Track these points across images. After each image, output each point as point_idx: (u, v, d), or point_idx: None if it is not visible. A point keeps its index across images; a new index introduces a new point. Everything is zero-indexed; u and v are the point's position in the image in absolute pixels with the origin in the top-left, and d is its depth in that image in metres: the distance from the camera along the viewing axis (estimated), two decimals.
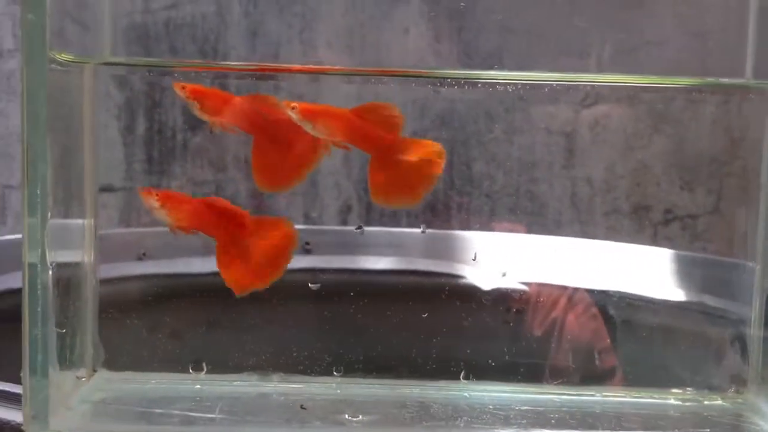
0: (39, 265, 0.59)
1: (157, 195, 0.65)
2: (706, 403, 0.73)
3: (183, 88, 0.66)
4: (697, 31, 0.91)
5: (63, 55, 0.62)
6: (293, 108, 0.65)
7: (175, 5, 1.30)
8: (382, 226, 1.25)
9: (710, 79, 0.77)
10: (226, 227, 0.66)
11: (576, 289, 0.91)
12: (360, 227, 1.24)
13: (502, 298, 0.88)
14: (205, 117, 0.67)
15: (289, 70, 0.70)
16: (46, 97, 0.57)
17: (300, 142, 0.66)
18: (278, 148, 0.66)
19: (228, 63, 0.72)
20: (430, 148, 0.67)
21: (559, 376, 0.73)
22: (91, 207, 0.70)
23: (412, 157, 0.66)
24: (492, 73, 0.73)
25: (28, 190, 0.58)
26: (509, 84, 0.76)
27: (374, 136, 0.66)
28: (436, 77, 0.81)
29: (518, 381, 0.73)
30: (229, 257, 0.66)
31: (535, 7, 0.91)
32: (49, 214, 0.59)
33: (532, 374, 0.78)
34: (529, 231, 1.08)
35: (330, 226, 1.31)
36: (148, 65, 0.71)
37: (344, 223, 1.33)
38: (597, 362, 0.82)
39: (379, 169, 0.67)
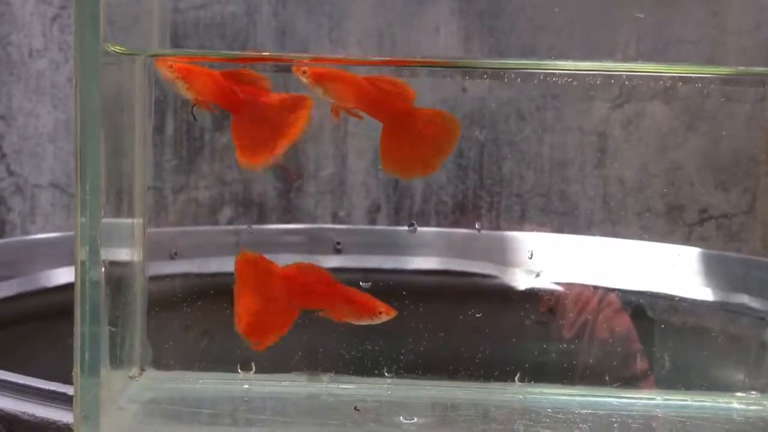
0: (89, 263, 0.59)
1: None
2: None
3: (170, 66, 0.64)
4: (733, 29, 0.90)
5: (116, 47, 0.61)
6: (304, 72, 0.63)
7: (204, 5, 1.30)
8: (421, 226, 1.25)
9: (744, 68, 0.75)
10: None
11: (611, 291, 0.90)
12: (413, 224, 1.23)
13: (541, 297, 0.87)
14: (190, 95, 0.65)
15: (324, 61, 0.69)
16: (99, 90, 0.57)
17: (279, 117, 0.64)
18: (257, 124, 0.65)
19: (286, 54, 0.71)
20: (446, 118, 0.65)
21: (616, 380, 0.72)
22: (140, 205, 0.70)
23: (427, 126, 0.64)
24: (522, 62, 0.72)
25: (80, 186, 0.58)
26: (540, 77, 0.75)
27: (388, 103, 0.64)
28: (466, 67, 0.80)
29: (574, 383, 0.72)
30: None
31: (566, 5, 0.90)
32: (101, 211, 0.59)
33: (589, 376, 0.76)
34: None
35: (380, 226, 1.31)
36: (202, 58, 0.71)
37: (373, 222, 1.33)
38: (629, 364, 0.81)
39: (392, 138, 0.64)
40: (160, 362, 0.69)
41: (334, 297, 0.64)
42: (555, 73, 0.72)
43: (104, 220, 0.59)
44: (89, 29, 0.56)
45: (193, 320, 0.76)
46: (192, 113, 0.65)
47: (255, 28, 1.32)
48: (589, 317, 0.87)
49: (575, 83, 0.96)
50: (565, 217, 1.16)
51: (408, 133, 0.64)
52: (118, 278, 0.65)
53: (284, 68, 0.68)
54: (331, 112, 0.64)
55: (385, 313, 0.63)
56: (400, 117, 0.64)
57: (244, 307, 0.65)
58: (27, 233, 1.46)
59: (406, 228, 1.17)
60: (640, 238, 1.03)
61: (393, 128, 0.64)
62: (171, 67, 0.63)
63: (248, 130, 0.65)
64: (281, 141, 0.64)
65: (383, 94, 0.64)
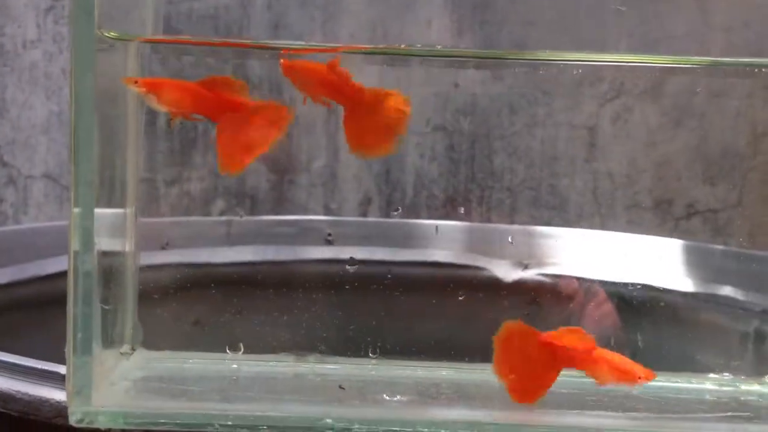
0: (82, 252, 0.60)
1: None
2: (743, 387, 0.73)
3: (135, 82, 0.66)
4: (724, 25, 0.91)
5: (110, 32, 0.62)
6: (135, 83, 0.66)
7: None
8: (406, 218, 1.25)
9: (737, 59, 0.77)
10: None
11: (592, 283, 0.91)
12: (397, 209, 1.25)
13: (528, 288, 0.88)
14: (163, 109, 0.67)
15: (316, 51, 0.71)
16: (94, 77, 0.58)
17: (261, 120, 0.67)
18: (242, 130, 0.67)
19: (292, 43, 0.72)
20: (396, 97, 0.68)
21: None
22: (132, 195, 0.71)
23: (381, 107, 0.68)
24: (512, 52, 0.74)
25: (75, 175, 0.59)
26: (531, 69, 0.76)
27: (348, 89, 0.68)
28: (457, 56, 0.82)
29: None
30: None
31: (557, 1, 0.91)
32: (94, 199, 0.60)
33: None
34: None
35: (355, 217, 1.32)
36: (196, 44, 0.72)
37: (364, 215, 1.34)
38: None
39: (354, 121, 0.68)
40: (151, 343, 0.71)
41: (596, 363, 0.67)
42: (546, 69, 0.74)
43: (98, 209, 0.60)
44: (84, 14, 0.57)
45: (184, 307, 0.77)
46: (169, 122, 0.67)
47: (249, 21, 1.33)
48: (575, 308, 0.88)
49: (566, 78, 0.97)
50: (554, 211, 1.17)
51: (366, 115, 0.68)
52: (109, 267, 0.66)
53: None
54: (304, 103, 0.68)
55: (645, 378, 0.66)
56: (358, 101, 0.68)
57: (510, 375, 0.68)
58: (19, 224, 1.47)
59: (395, 215, 1.18)
60: (628, 231, 1.04)
61: (353, 112, 0.68)
62: (136, 83, 0.65)
63: (231, 137, 0.67)
64: (258, 149, 0.67)
65: (343, 82, 0.67)
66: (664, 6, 0.95)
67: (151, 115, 1.17)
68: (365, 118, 0.68)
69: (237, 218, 1.18)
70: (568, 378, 0.68)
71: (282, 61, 0.66)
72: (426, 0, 1.14)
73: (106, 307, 0.63)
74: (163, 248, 1.06)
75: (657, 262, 0.96)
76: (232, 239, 1.08)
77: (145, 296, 0.72)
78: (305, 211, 1.31)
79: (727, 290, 0.92)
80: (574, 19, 0.94)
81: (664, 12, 0.94)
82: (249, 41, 0.95)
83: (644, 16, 0.88)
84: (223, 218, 1.23)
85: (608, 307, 0.88)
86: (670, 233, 1.15)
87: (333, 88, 0.67)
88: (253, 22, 1.31)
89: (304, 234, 1.16)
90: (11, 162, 1.46)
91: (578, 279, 0.92)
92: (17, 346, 0.84)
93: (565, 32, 0.96)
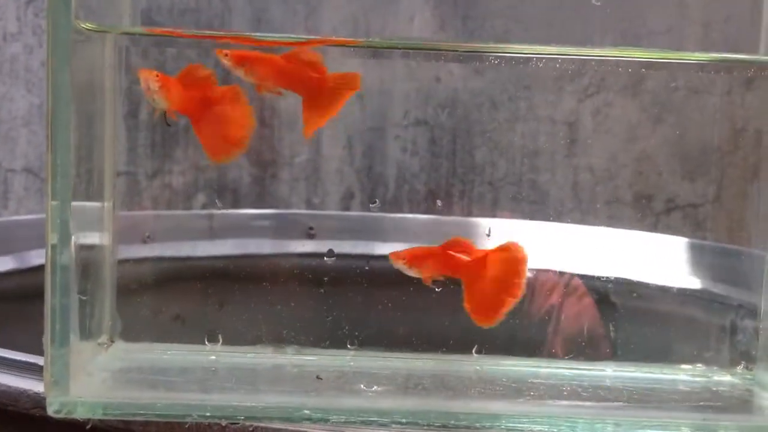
0: (60, 244, 0.60)
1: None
2: (715, 378, 0.74)
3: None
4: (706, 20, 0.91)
5: (86, 24, 0.62)
6: (225, 55, 0.67)
7: None
8: (384, 212, 1.25)
9: (718, 55, 0.77)
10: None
11: (572, 276, 0.92)
12: (375, 202, 1.25)
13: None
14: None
15: (299, 44, 0.71)
16: (71, 69, 0.58)
17: (236, 112, 0.68)
18: (217, 122, 0.68)
19: (273, 35, 0.73)
20: (350, 77, 0.70)
21: (567, 353, 0.74)
22: (109, 188, 0.71)
23: (337, 89, 0.69)
24: (496, 45, 0.74)
25: (51, 168, 0.59)
26: (512, 64, 0.77)
27: (304, 76, 0.69)
28: (440, 50, 0.83)
29: (529, 355, 0.74)
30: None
31: None
32: (71, 192, 0.60)
33: (543, 349, 0.79)
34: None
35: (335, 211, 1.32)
36: (171, 35, 0.72)
37: (347, 209, 1.34)
38: (592, 348, 0.83)
39: (312, 108, 0.69)
40: (130, 335, 0.71)
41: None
42: (527, 64, 0.74)
43: (75, 203, 0.60)
44: (61, 5, 0.57)
45: (164, 299, 0.77)
46: (165, 120, 0.67)
47: (230, 14, 1.33)
48: (554, 303, 0.89)
49: (546, 73, 0.98)
50: (535, 205, 1.18)
51: (324, 100, 0.68)
52: (87, 259, 0.66)
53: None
54: (256, 90, 0.69)
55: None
56: (315, 88, 0.69)
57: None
58: None
59: (372, 208, 1.19)
60: (609, 225, 1.04)
61: (311, 99, 0.69)
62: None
63: (208, 129, 0.68)
64: (240, 134, 0.68)
65: (299, 69, 0.68)
66: (644, 2, 0.95)
67: (133, 107, 1.17)
68: (324, 104, 0.69)
69: (219, 212, 1.18)
70: (543, 369, 0.69)
71: (228, 52, 0.67)
72: None
73: (84, 298, 0.63)
74: (144, 241, 1.06)
75: (636, 256, 0.97)
76: (213, 233, 1.08)
77: (124, 288, 0.72)
78: (287, 206, 1.31)
79: (703, 284, 0.93)
80: (557, 15, 0.94)
81: (644, 7, 0.94)
82: (224, 33, 0.95)
83: (624, 11, 0.88)
84: (204, 212, 1.23)
85: (588, 300, 0.89)
86: (650, 228, 1.16)
87: (289, 77, 0.68)
88: (234, 16, 1.31)
89: (286, 227, 1.16)
90: None
91: (557, 273, 0.93)
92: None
93: (547, 27, 0.97)
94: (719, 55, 0.81)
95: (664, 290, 0.92)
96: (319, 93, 0.68)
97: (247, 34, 0.71)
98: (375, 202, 1.09)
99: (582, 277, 0.91)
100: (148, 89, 0.65)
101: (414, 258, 0.71)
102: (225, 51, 0.67)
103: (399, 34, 1.17)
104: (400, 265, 0.70)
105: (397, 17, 1.11)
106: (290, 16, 1.26)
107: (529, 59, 0.79)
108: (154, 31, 0.68)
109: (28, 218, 1.25)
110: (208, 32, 0.88)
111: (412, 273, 0.70)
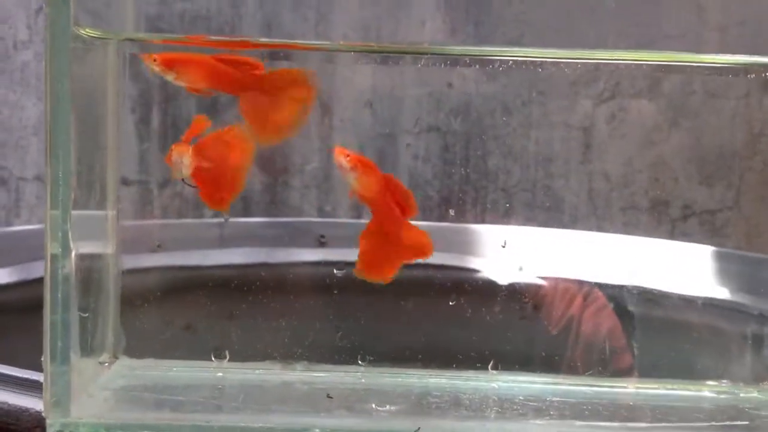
0: (61, 255, 0.59)
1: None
2: (742, 395, 0.72)
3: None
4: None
5: (87, 30, 0.61)
6: (154, 60, 0.65)
7: None
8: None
9: (735, 57, 0.76)
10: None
11: (592, 286, 0.90)
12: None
13: (524, 291, 0.87)
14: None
15: (304, 48, 0.70)
16: (69, 76, 0.57)
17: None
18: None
19: (275, 40, 0.71)
20: (296, 73, 0.67)
21: (588, 369, 0.72)
22: (112, 197, 0.70)
23: (279, 87, 0.66)
24: (508, 50, 0.72)
25: (51, 177, 0.57)
26: (525, 68, 0.75)
27: (237, 76, 0.66)
28: (451, 54, 0.81)
29: (547, 371, 0.72)
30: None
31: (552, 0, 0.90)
32: (72, 202, 0.59)
33: (562, 366, 0.77)
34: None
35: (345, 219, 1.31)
36: (173, 41, 0.71)
37: (358, 217, 1.32)
38: (613, 361, 0.81)
39: (251, 108, 0.66)
40: (134, 351, 0.69)
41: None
42: (541, 68, 0.73)
43: (76, 212, 0.59)
44: (59, 12, 0.56)
45: (170, 311, 0.75)
46: (183, 181, 0.66)
47: (240, 21, 1.32)
48: (574, 314, 0.87)
49: (561, 78, 0.96)
50: (549, 212, 1.16)
51: (264, 99, 0.66)
52: (90, 271, 0.65)
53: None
54: (187, 91, 0.66)
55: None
56: (252, 86, 0.66)
57: None
58: (11, 226, 1.46)
59: None
60: (624, 232, 1.03)
61: (248, 99, 0.66)
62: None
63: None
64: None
65: (231, 70, 0.65)
66: (660, 4, 0.94)
67: (144, 114, 1.16)
68: (264, 103, 0.66)
69: (228, 220, 1.17)
70: (562, 386, 0.67)
71: (156, 56, 0.64)
72: (419, 0, 1.13)
73: (84, 315, 0.62)
74: (154, 251, 1.05)
75: (653, 264, 0.95)
76: (224, 241, 1.07)
77: (130, 300, 0.71)
78: (299, 214, 1.30)
79: (725, 293, 0.91)
80: (570, 19, 0.93)
81: (660, 10, 0.93)
82: (233, 38, 0.94)
83: (639, 15, 0.87)
84: (215, 220, 1.22)
85: (608, 312, 0.87)
86: (667, 235, 1.14)
87: (223, 78, 0.65)
88: (245, 22, 1.30)
89: (296, 235, 1.15)
90: (3, 163, 1.45)
91: (576, 282, 0.91)
92: (3, 351, 0.83)
93: (560, 32, 0.95)
94: (736, 58, 0.79)
95: (684, 300, 0.90)
96: (255, 93, 0.66)
97: (254, 39, 0.70)
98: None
99: (598, 286, 0.89)
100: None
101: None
102: (153, 55, 0.64)
103: (410, 39, 1.16)
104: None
105: (408, 23, 1.10)
106: (301, 23, 1.25)
107: (542, 64, 0.78)
108: (153, 39, 0.67)
109: (40, 228, 1.25)
110: (213, 38, 0.87)
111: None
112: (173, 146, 0.64)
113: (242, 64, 0.66)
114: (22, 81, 1.43)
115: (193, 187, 0.67)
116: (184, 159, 0.64)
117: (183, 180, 0.66)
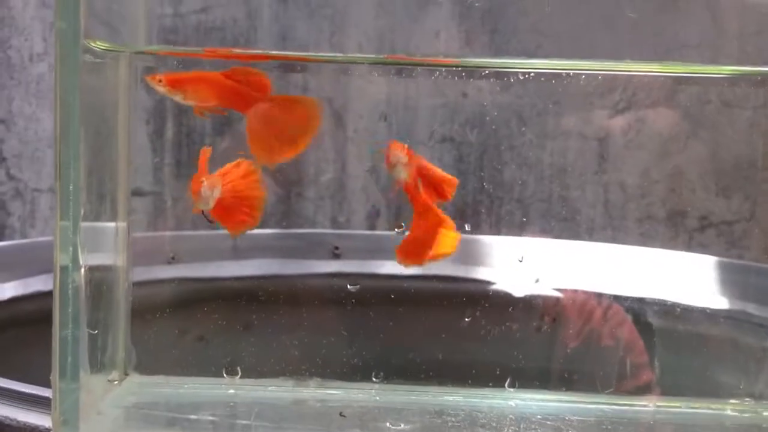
0: (70, 267, 0.58)
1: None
2: (765, 414, 0.70)
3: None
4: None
5: (98, 43, 0.60)
6: (159, 81, 0.64)
7: (206, 9, 1.30)
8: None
9: (752, 68, 0.75)
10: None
11: (610, 299, 0.89)
12: (401, 226, 1.23)
13: (541, 304, 0.86)
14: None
15: (315, 60, 0.69)
16: (79, 88, 0.56)
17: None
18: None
19: (289, 53, 0.71)
20: (305, 101, 0.67)
21: (607, 387, 0.71)
22: (123, 209, 0.69)
23: (288, 110, 0.66)
24: (523, 62, 0.72)
25: (61, 189, 0.57)
26: (541, 79, 0.74)
27: (248, 94, 0.65)
28: (466, 67, 0.80)
29: (566, 388, 0.71)
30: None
31: (568, 11, 0.89)
32: (81, 214, 0.58)
33: (580, 382, 0.75)
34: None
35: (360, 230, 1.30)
36: (186, 54, 0.70)
37: (372, 228, 1.32)
38: (633, 377, 0.79)
39: (258, 127, 0.66)
40: (144, 367, 0.68)
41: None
42: (556, 79, 0.72)
43: (86, 224, 0.58)
44: (70, 24, 0.55)
45: (182, 325, 0.75)
46: (205, 216, 0.65)
47: (255, 33, 1.32)
48: (593, 328, 0.86)
49: (576, 89, 0.95)
50: (565, 223, 1.15)
51: (272, 120, 0.65)
52: (99, 283, 0.64)
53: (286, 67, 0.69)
54: (195, 113, 0.65)
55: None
56: (260, 107, 0.65)
57: None
58: (26, 237, 1.46)
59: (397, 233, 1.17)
60: (641, 244, 1.02)
61: (256, 118, 0.65)
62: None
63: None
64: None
65: (242, 88, 0.65)
66: (676, 15, 0.93)
67: (159, 127, 1.16)
68: (271, 124, 0.65)
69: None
70: (580, 404, 0.66)
71: (162, 77, 0.63)
72: (434, 10, 1.13)
73: (93, 332, 0.61)
74: (168, 262, 1.05)
75: (670, 275, 0.94)
76: (238, 253, 1.07)
77: (141, 314, 0.70)
78: (313, 225, 1.30)
79: (745, 307, 0.89)
80: (586, 30, 0.92)
81: (676, 21, 0.92)
82: (240, 51, 0.94)
83: (656, 25, 0.86)
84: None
85: (628, 327, 0.85)
86: (684, 246, 1.13)
87: (232, 95, 0.65)
88: (260, 34, 1.30)
89: (311, 247, 1.14)
90: (18, 175, 1.45)
91: (594, 294, 0.90)
92: (16, 363, 0.82)
93: (577, 43, 0.95)
94: (753, 69, 0.79)
95: (704, 313, 0.88)
96: (264, 109, 0.65)
97: (267, 51, 0.69)
98: (401, 226, 1.07)
99: (615, 298, 0.88)
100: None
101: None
102: (158, 76, 0.64)
103: (425, 50, 1.15)
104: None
105: (423, 33, 1.10)
106: (315, 34, 1.25)
107: (558, 74, 0.77)
108: (165, 52, 0.66)
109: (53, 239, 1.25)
110: (221, 50, 0.87)
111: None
112: (201, 178, 0.64)
113: (249, 75, 0.65)
114: (38, 93, 1.43)
115: (211, 222, 0.66)
116: (214, 192, 0.64)
117: (203, 212, 0.65)
